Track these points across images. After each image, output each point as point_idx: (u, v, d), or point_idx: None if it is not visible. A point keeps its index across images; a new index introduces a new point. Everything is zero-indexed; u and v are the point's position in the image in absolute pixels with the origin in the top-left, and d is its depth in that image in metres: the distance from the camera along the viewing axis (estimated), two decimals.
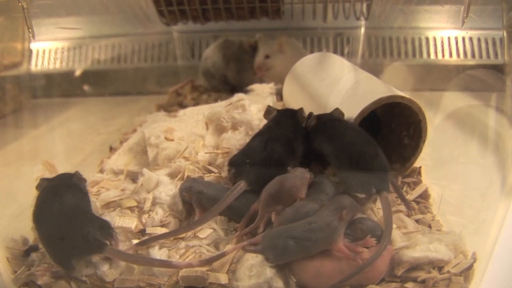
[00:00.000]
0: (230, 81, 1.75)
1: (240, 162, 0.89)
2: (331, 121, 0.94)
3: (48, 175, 0.95)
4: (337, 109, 0.96)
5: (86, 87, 1.68)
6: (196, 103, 1.63)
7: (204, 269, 0.73)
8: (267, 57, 1.58)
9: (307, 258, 0.72)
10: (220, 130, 1.10)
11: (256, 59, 1.61)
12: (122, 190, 0.99)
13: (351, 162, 0.86)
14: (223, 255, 0.74)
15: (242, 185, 0.84)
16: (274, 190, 0.80)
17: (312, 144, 0.94)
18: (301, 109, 1.00)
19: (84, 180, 0.87)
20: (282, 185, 0.81)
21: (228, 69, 1.73)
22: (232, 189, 0.84)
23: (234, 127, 1.08)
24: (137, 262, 0.76)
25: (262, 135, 0.94)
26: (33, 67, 1.61)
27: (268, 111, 1.01)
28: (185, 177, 0.96)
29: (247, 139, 1.01)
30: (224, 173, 0.96)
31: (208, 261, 0.74)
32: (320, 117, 0.95)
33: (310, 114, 0.96)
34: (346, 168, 0.87)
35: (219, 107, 1.15)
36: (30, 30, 1.12)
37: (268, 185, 0.81)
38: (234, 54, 1.72)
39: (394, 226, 0.81)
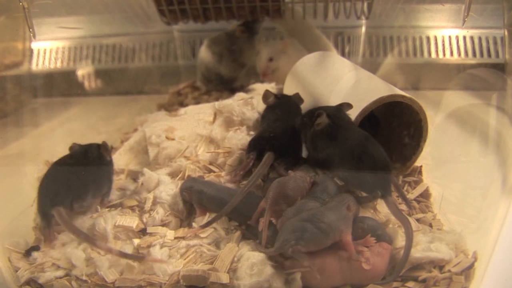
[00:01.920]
0: (226, 78, 1.74)
1: (263, 139, 0.95)
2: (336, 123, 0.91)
3: None
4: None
5: (86, 87, 1.68)
6: (197, 102, 1.62)
7: (205, 268, 0.73)
8: (270, 60, 1.58)
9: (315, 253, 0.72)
10: (228, 123, 1.10)
11: (259, 64, 1.61)
12: (123, 189, 0.99)
13: (356, 163, 0.85)
14: (142, 258, 0.76)
15: (271, 156, 0.90)
16: (280, 188, 0.80)
17: (314, 147, 0.93)
18: (297, 94, 1.11)
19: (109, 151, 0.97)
20: (286, 186, 0.80)
21: (221, 65, 1.72)
22: (264, 160, 0.89)
23: (242, 124, 1.08)
24: (74, 233, 0.81)
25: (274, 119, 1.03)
26: (34, 67, 1.61)
27: (266, 95, 1.10)
28: (185, 176, 0.96)
29: (248, 138, 1.01)
30: (225, 172, 0.96)
31: (124, 255, 0.77)
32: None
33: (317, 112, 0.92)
34: (351, 168, 0.86)
35: (229, 101, 1.14)
36: (30, 30, 1.12)
37: (272, 185, 0.81)
38: (224, 47, 1.69)
39: (394, 226, 0.82)
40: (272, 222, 0.78)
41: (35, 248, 0.83)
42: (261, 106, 1.14)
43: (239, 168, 0.95)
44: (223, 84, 1.75)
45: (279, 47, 1.57)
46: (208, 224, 0.82)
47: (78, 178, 0.89)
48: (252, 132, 1.07)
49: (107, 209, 0.85)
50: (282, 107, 1.08)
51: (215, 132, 1.08)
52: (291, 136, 0.97)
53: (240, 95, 1.22)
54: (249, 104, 1.12)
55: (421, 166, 1.04)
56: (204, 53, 1.74)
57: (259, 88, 1.45)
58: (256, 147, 0.95)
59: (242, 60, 1.68)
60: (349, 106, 0.94)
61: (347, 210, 0.75)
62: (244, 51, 1.66)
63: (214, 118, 1.13)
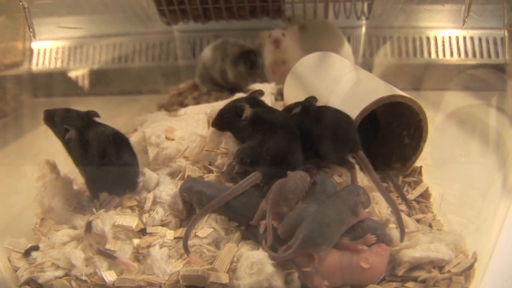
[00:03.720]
0: (217, 82, 1.75)
1: (256, 155, 0.89)
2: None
3: (49, 174, 0.95)
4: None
5: (86, 87, 1.68)
6: (197, 102, 1.62)
7: (205, 268, 0.73)
8: (283, 34, 1.51)
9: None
10: None
11: (266, 58, 1.58)
12: None
13: (322, 137, 0.92)
14: (114, 258, 0.77)
15: (256, 176, 0.85)
16: (280, 190, 0.80)
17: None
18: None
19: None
20: (286, 188, 0.80)
21: (213, 69, 1.73)
22: (247, 178, 0.85)
23: None
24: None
25: (274, 129, 0.93)
26: (34, 67, 1.61)
27: (242, 109, 0.95)
28: (185, 176, 0.96)
29: None
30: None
31: (101, 253, 0.78)
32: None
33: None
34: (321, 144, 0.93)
35: (221, 105, 1.14)
36: (31, 30, 1.12)
37: (272, 187, 0.81)
38: (222, 55, 1.71)
39: (394, 226, 0.82)
40: (273, 224, 0.78)
41: (35, 248, 0.83)
42: None
43: (224, 172, 0.94)
44: (217, 86, 1.75)
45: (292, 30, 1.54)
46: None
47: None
48: None
49: (103, 210, 0.85)
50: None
51: (211, 139, 1.07)
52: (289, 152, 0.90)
53: (238, 95, 1.22)
54: None
55: (421, 167, 1.04)
56: (204, 53, 1.75)
57: (259, 88, 1.44)
58: (243, 160, 0.89)
59: (227, 77, 1.71)
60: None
61: (356, 196, 0.77)
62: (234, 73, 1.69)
63: (208, 125, 1.13)
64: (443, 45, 1.69)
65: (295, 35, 1.55)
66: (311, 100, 1.02)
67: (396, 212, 0.80)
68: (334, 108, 0.97)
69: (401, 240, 0.78)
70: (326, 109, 0.98)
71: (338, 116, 0.94)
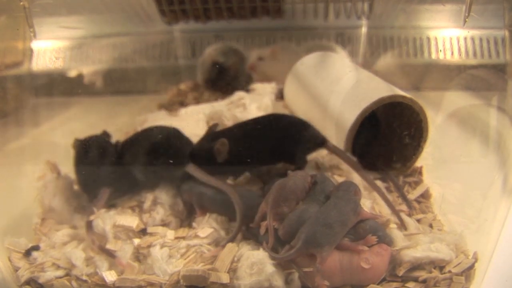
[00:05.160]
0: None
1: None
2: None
3: (50, 174, 0.95)
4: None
5: (86, 87, 1.68)
6: (197, 102, 1.62)
7: (205, 268, 0.73)
8: (260, 59, 1.60)
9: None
10: (222, 127, 1.10)
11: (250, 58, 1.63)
12: None
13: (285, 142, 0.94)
14: (113, 256, 0.78)
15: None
16: (280, 191, 0.80)
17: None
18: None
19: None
20: (285, 188, 0.80)
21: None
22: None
23: None
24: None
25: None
26: (34, 66, 1.61)
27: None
28: None
29: None
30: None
31: (103, 250, 0.79)
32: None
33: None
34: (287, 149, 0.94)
35: (220, 105, 1.15)
36: (31, 29, 1.12)
37: (272, 187, 0.81)
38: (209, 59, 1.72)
39: (394, 226, 0.82)
40: (274, 225, 0.78)
41: (35, 247, 0.83)
42: (254, 106, 1.14)
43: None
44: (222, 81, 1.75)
45: (268, 52, 1.59)
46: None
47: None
48: None
49: (103, 210, 0.85)
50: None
51: None
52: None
53: (238, 94, 1.22)
54: (241, 105, 1.12)
55: (421, 167, 1.04)
56: (207, 52, 1.75)
57: (259, 87, 1.45)
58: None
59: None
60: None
61: (354, 195, 0.78)
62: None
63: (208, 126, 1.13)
64: (444, 45, 1.68)
65: (274, 53, 1.59)
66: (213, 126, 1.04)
67: (385, 200, 0.83)
68: (283, 114, 1.01)
69: (404, 228, 0.80)
70: (277, 116, 1.00)
71: (291, 119, 0.98)
